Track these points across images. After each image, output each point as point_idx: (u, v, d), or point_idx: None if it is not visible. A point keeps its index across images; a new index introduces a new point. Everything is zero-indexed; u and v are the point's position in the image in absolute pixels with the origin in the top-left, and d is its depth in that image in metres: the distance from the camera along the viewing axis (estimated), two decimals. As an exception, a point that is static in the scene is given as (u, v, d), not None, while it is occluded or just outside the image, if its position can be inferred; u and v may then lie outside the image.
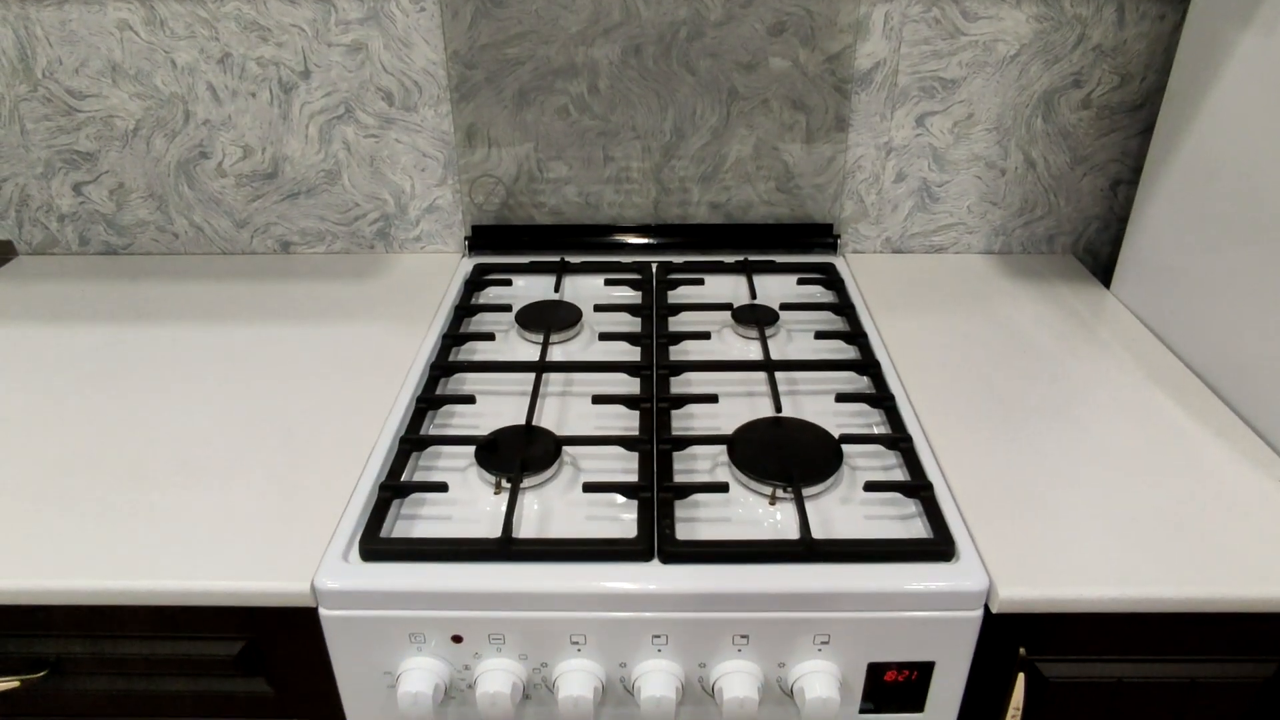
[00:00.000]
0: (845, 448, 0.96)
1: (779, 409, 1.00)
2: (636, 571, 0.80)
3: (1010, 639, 0.84)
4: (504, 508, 0.89)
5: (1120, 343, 1.17)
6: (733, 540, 0.83)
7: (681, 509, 0.89)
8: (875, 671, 0.84)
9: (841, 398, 1.03)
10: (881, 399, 1.02)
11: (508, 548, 0.82)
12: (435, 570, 0.81)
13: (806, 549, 0.81)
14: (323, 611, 0.81)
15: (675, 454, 0.96)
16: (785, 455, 0.93)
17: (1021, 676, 0.83)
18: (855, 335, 1.14)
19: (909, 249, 1.42)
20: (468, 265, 1.38)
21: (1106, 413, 1.03)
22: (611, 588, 0.80)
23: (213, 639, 0.86)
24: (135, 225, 1.42)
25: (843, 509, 0.89)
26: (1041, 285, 1.32)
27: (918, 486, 0.89)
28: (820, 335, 1.15)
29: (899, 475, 0.94)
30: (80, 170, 1.37)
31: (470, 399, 1.03)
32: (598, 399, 1.02)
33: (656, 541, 0.83)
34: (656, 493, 0.88)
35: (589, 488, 0.89)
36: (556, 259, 1.37)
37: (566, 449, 0.97)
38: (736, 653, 0.82)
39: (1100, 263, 1.43)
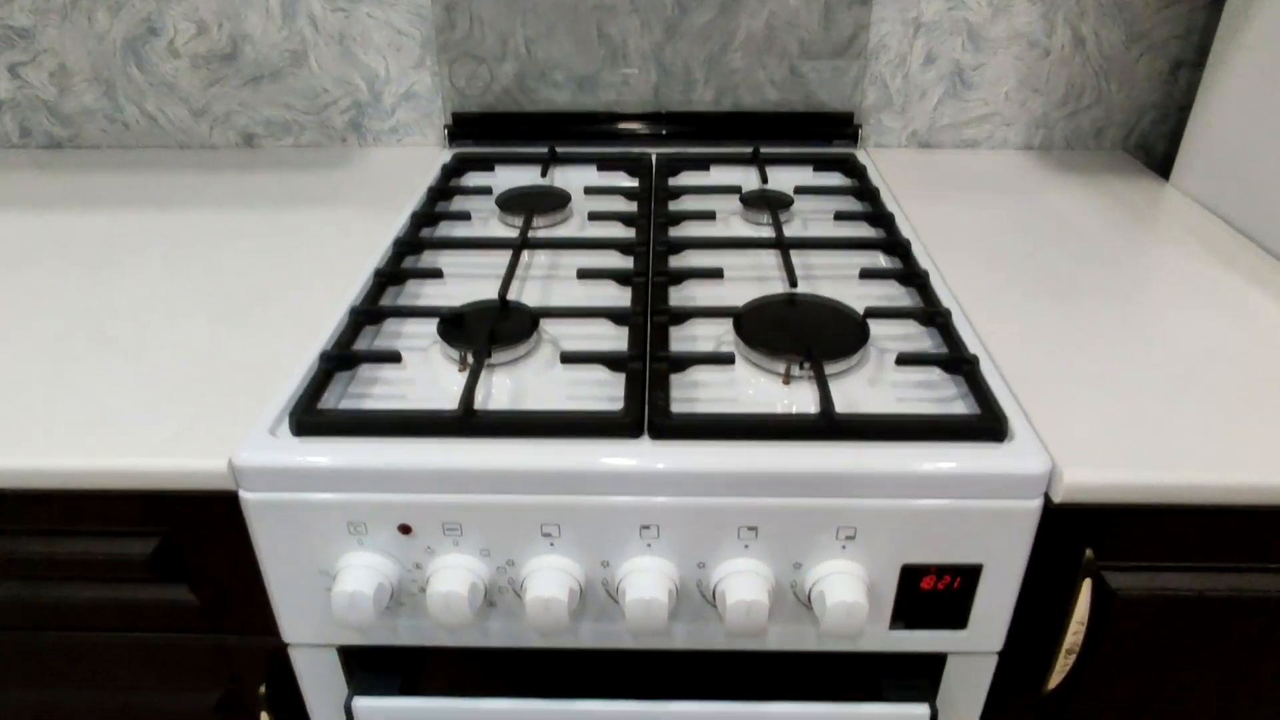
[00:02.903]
0: (872, 324, 0.82)
1: (794, 284, 0.85)
2: (622, 449, 0.66)
3: (1074, 539, 0.70)
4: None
5: (1185, 230, 1.03)
6: (737, 414, 0.69)
7: (679, 390, 0.75)
8: (910, 578, 0.70)
9: (867, 274, 0.88)
10: (912, 275, 0.88)
11: (467, 420, 0.68)
12: (378, 446, 0.67)
13: (827, 424, 0.67)
14: (244, 495, 0.67)
15: (672, 330, 0.82)
16: (801, 332, 0.78)
17: (1087, 585, 0.69)
18: (879, 217, 1.00)
19: (937, 143, 1.27)
20: (447, 155, 1.24)
21: (1174, 295, 0.89)
22: (591, 467, 0.66)
23: (125, 534, 0.73)
24: (81, 114, 1.28)
25: (870, 391, 0.75)
26: (1090, 178, 1.17)
27: (959, 360, 0.74)
28: (841, 216, 1.01)
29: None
30: (16, 49, 1.23)
31: (436, 273, 0.89)
32: (584, 273, 0.88)
33: (647, 414, 0.69)
34: (649, 362, 0.74)
35: (568, 358, 0.75)
36: (545, 149, 1.22)
37: (545, 324, 0.83)
38: (743, 549, 0.68)
39: (1155, 160, 1.27)
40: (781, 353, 0.75)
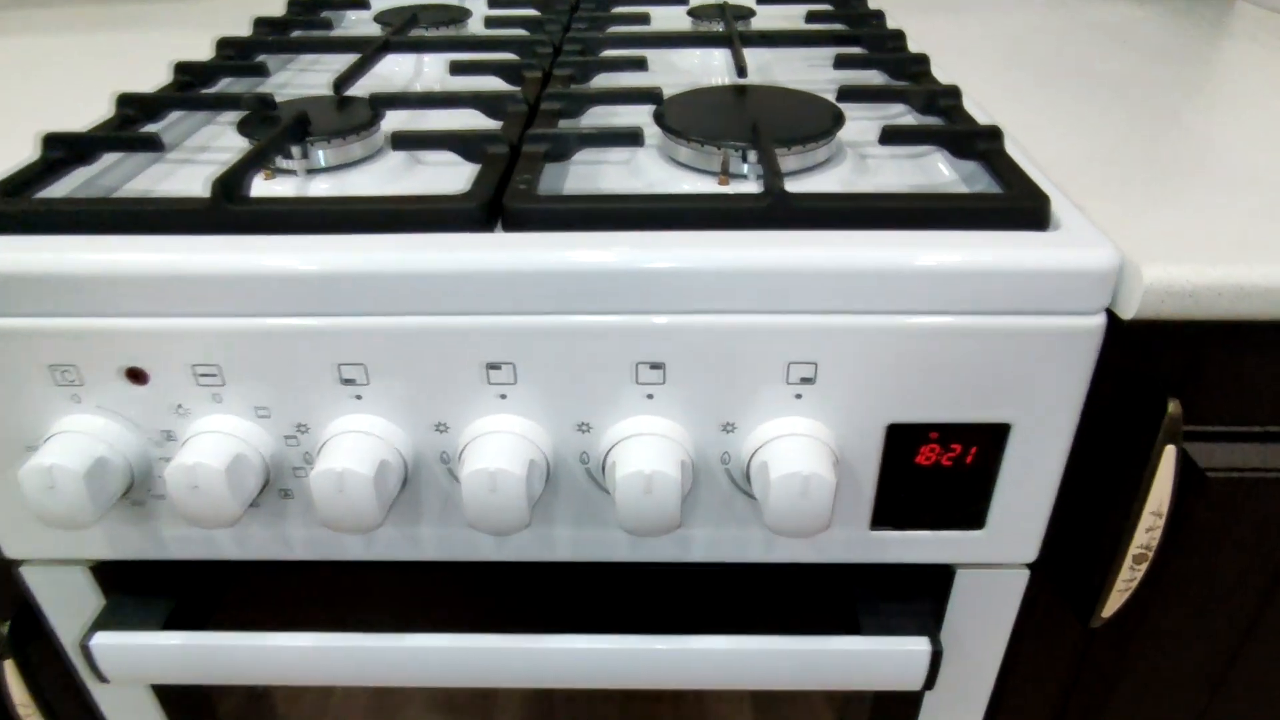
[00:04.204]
0: (848, 110, 0.58)
1: (742, 72, 0.61)
2: (458, 244, 0.43)
3: (1150, 383, 0.46)
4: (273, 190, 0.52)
5: (1262, 32, 0.78)
6: (637, 193, 0.45)
7: (574, 185, 0.51)
8: (900, 446, 0.46)
9: (844, 61, 0.64)
10: (906, 62, 0.64)
11: (220, 209, 0.44)
12: (90, 246, 0.43)
13: (774, 205, 0.44)
14: (-109, 322, 0.44)
15: (567, 125, 0.58)
16: (748, 121, 0.55)
17: (1169, 457, 0.45)
18: (865, 18, 0.75)
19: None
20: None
21: (1251, 90, 0.65)
22: (406, 267, 0.42)
23: None
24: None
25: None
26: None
27: (974, 134, 0.51)
28: (814, 17, 0.76)
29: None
30: None
31: (259, 68, 0.65)
32: (458, 66, 0.64)
33: (503, 199, 0.45)
34: (521, 145, 0.51)
35: (402, 141, 0.52)
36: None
37: (392, 116, 0.60)
38: (644, 400, 0.45)
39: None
40: (718, 140, 0.52)
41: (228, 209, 0.44)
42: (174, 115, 0.62)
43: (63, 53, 0.80)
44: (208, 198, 0.44)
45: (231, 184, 0.45)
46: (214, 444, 0.45)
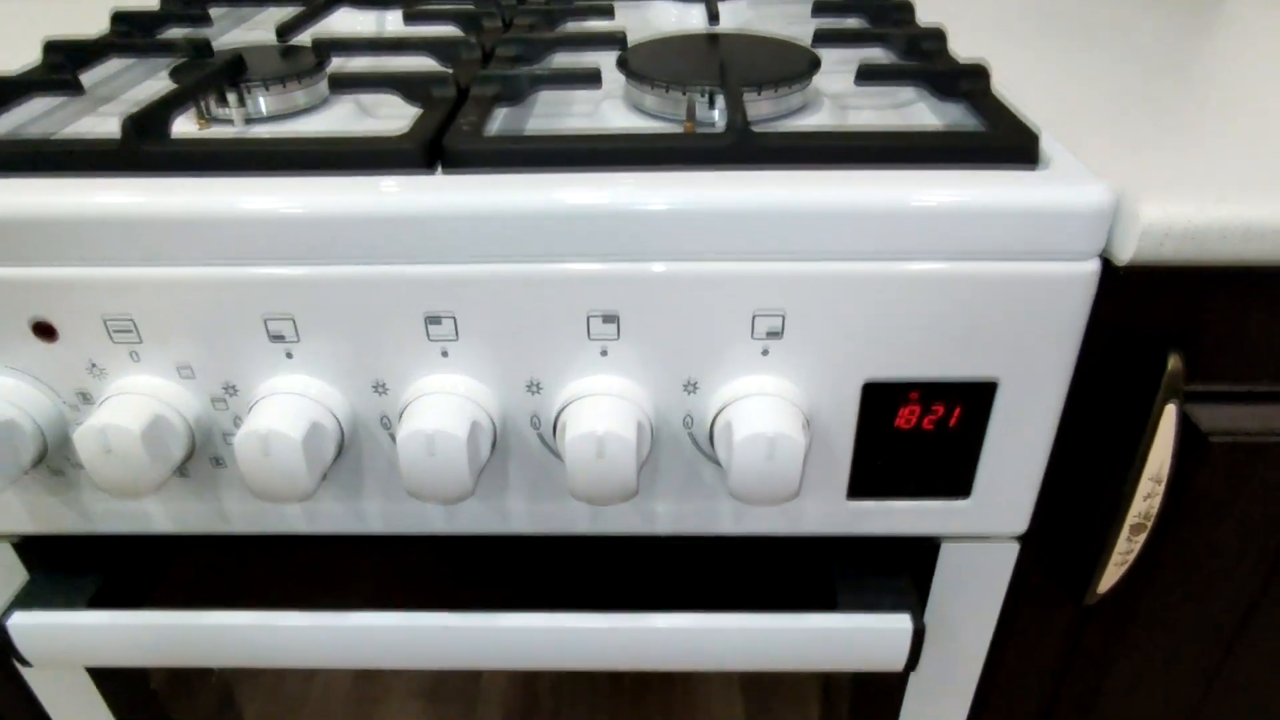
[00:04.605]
0: (830, 63, 0.54)
1: (714, 18, 0.58)
2: (393, 186, 0.39)
3: (1150, 335, 0.43)
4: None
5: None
6: (589, 132, 0.42)
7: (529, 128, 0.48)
8: (877, 406, 0.43)
9: (823, 7, 0.60)
10: (889, 9, 0.60)
11: (132, 148, 0.40)
12: (-11, 187, 0.40)
13: (736, 142, 0.40)
14: None
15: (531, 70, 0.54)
16: (718, 64, 0.51)
17: (1170, 416, 0.42)
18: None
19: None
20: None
21: (1252, 33, 0.61)
22: (335, 210, 0.39)
23: None
24: None
25: (819, 135, 0.47)
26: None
27: (958, 73, 0.47)
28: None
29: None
30: None
31: (202, 19, 0.61)
32: (413, 15, 0.61)
33: (443, 139, 0.41)
34: (471, 86, 0.47)
35: (339, 83, 0.48)
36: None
37: (338, 61, 0.56)
38: (599, 357, 0.41)
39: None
40: (683, 84, 0.48)
41: (141, 148, 0.41)
42: (114, 68, 0.58)
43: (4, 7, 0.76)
44: (118, 137, 0.41)
45: (146, 122, 0.41)
46: (130, 405, 0.41)
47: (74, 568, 0.51)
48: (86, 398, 0.43)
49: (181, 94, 0.44)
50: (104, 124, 0.50)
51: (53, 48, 0.54)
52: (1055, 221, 0.38)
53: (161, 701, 0.62)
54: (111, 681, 0.59)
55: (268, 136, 0.42)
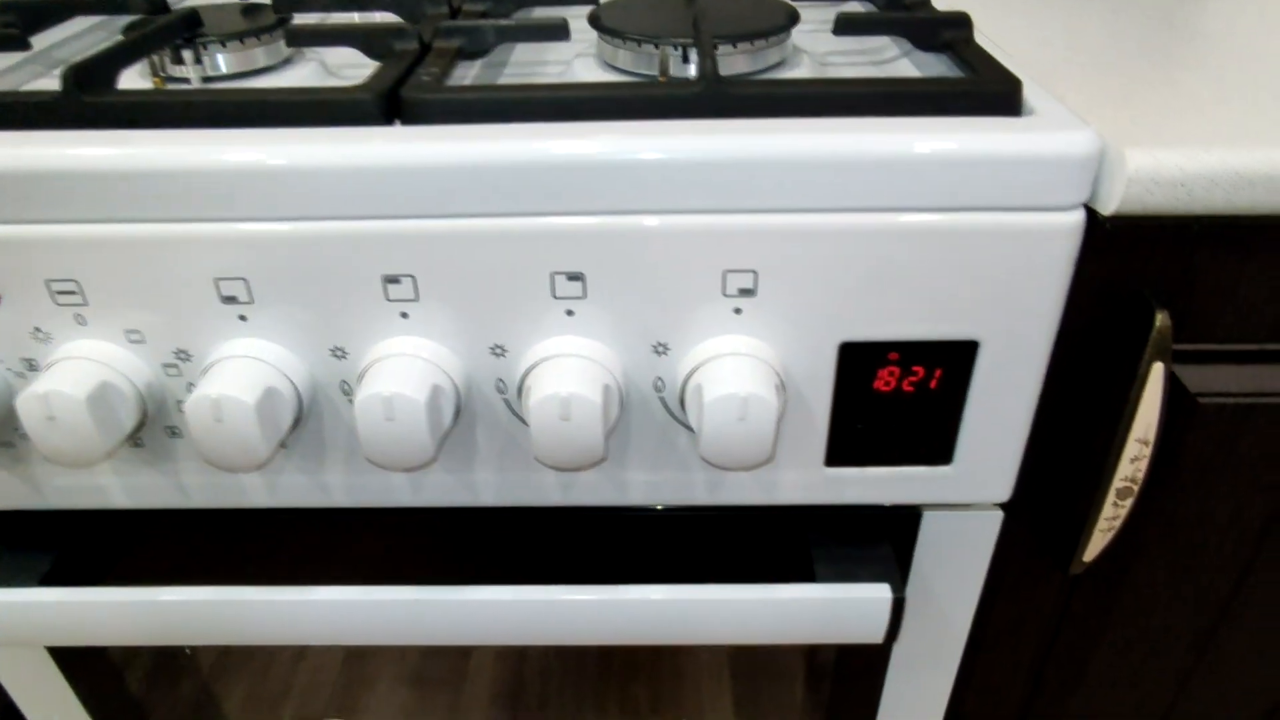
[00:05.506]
0: (806, 11, 0.52)
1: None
2: (347, 137, 0.37)
3: (1137, 290, 0.41)
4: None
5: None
6: (551, 84, 0.40)
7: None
8: (854, 368, 0.41)
9: (805, -37, 0.59)
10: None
11: (73, 100, 0.39)
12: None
13: (706, 91, 0.38)
14: None
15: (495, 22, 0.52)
16: (692, 19, 0.49)
17: (1157, 375, 0.40)
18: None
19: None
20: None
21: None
22: (287, 162, 0.37)
23: None
24: None
25: (796, 90, 0.46)
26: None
27: (939, 21, 0.45)
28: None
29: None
30: None
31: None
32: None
33: (402, 90, 0.40)
34: (431, 39, 0.45)
35: (296, 36, 0.46)
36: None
37: (302, 20, 0.54)
38: (564, 317, 0.40)
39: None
40: (655, 39, 0.46)
41: (82, 100, 0.39)
42: (76, 28, 0.56)
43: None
44: (51, 94, 0.39)
45: (89, 74, 0.39)
46: (75, 370, 0.39)
47: (26, 544, 0.49)
48: (32, 365, 0.42)
49: (128, 46, 0.42)
50: (55, 85, 0.48)
51: (4, 7, 0.52)
52: (1038, 169, 0.36)
53: (128, 682, 0.61)
54: (77, 665, 0.57)
55: (219, 89, 0.40)
